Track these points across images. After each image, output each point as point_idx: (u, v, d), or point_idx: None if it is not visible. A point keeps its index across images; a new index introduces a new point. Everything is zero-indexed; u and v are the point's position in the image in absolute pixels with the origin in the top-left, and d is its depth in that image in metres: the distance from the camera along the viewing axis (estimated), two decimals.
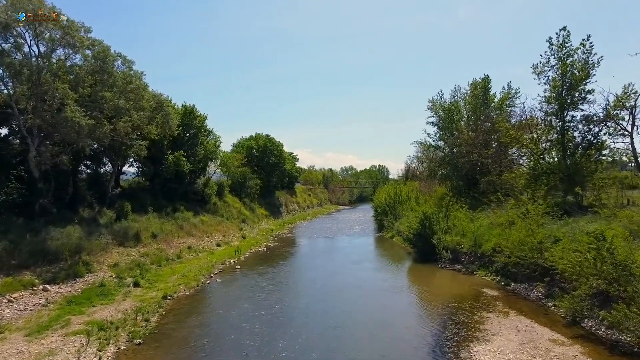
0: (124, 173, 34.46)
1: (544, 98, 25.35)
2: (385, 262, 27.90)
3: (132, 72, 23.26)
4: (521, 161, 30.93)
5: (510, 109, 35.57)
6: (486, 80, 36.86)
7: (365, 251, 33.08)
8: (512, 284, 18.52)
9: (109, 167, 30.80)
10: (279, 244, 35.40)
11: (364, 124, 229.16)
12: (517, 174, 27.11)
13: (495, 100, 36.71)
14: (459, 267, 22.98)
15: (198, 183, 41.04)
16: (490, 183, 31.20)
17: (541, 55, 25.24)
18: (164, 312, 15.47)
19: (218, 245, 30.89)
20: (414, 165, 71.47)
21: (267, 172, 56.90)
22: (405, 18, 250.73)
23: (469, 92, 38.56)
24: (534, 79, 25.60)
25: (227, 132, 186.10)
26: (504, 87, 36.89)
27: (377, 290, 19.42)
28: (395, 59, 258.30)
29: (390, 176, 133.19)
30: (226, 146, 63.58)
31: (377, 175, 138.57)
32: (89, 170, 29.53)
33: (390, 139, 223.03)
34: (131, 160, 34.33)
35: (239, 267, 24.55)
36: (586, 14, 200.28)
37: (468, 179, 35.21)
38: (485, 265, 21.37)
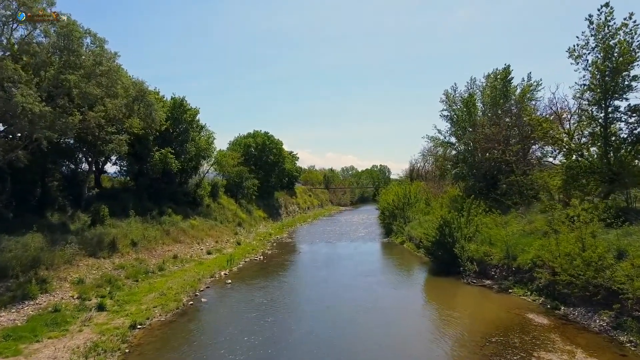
0: (105, 172, 31.05)
1: (582, 86, 21.99)
2: (399, 274, 24.48)
3: (103, 52, 19.75)
4: (549, 158, 27.55)
5: (532, 102, 32.19)
6: (507, 71, 33.39)
7: (374, 260, 29.68)
8: (562, 308, 15.08)
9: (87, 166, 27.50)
10: (277, 250, 31.97)
11: (364, 124, 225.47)
12: (551, 172, 23.69)
13: (517, 92, 33.31)
14: (489, 282, 19.57)
15: (189, 183, 37.67)
16: (514, 183, 27.87)
17: (578, 37, 21.84)
18: (127, 350, 12.03)
19: (209, 253, 27.46)
20: (419, 164, 68.60)
21: (265, 171, 53.49)
22: (405, 18, 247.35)
23: (484, 83, 35.26)
24: (571, 63, 22.22)
25: (227, 132, 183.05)
26: (523, 78, 33.38)
27: (397, 314, 16.03)
28: (395, 59, 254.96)
29: (391, 176, 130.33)
30: (224, 145, 60.20)
31: (379, 176, 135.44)
32: (63, 169, 26.15)
33: (390, 139, 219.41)
34: (115, 158, 31.15)
35: (230, 281, 21.08)
36: (586, 14, 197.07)
37: (487, 178, 31.84)
38: (522, 281, 17.92)
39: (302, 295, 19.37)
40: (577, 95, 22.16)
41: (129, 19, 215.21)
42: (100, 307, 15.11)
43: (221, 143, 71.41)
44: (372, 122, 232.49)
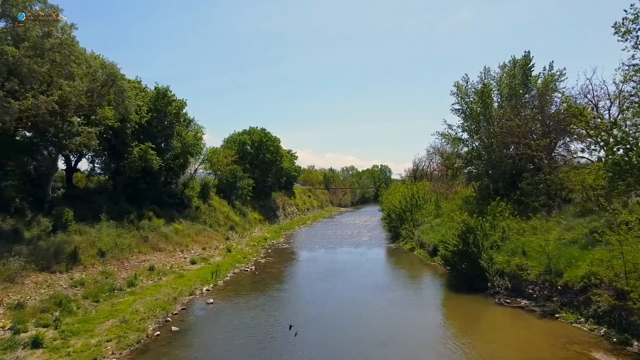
0: (78, 170, 27.51)
1: (632, 66, 18.58)
2: (414, 290, 20.90)
3: (54, 20, 16.29)
4: (584, 154, 24.11)
5: (556, 93, 28.75)
6: (527, 58, 29.94)
7: (382, 270, 26.22)
8: (636, 344, 11.63)
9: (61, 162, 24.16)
10: (271, 258, 28.44)
11: (364, 124, 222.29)
12: (591, 169, 20.24)
13: (538, 82, 29.86)
14: (526, 302, 16.08)
15: (177, 183, 34.22)
16: (541, 183, 24.44)
17: (626, 11, 18.45)
18: None
19: (193, 262, 23.93)
20: (423, 163, 65.26)
21: (262, 170, 50.09)
22: (406, 18, 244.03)
23: (501, 74, 31.77)
24: (619, 40, 18.74)
25: (226, 132, 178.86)
26: (545, 67, 29.94)
27: (420, 351, 12.56)
28: (395, 59, 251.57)
29: (392, 177, 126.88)
30: (219, 144, 56.17)
31: (380, 176, 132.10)
32: (26, 166, 22.64)
33: (390, 139, 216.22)
34: (91, 154, 27.73)
35: (212, 300, 17.51)
36: (587, 13, 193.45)
37: (505, 177, 28.41)
38: (572, 304, 14.42)
39: (300, 316, 15.77)
40: (627, 77, 18.78)
41: (129, 20, 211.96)
42: (36, 343, 11.61)
43: (219, 142, 67.82)
44: (372, 122, 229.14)
